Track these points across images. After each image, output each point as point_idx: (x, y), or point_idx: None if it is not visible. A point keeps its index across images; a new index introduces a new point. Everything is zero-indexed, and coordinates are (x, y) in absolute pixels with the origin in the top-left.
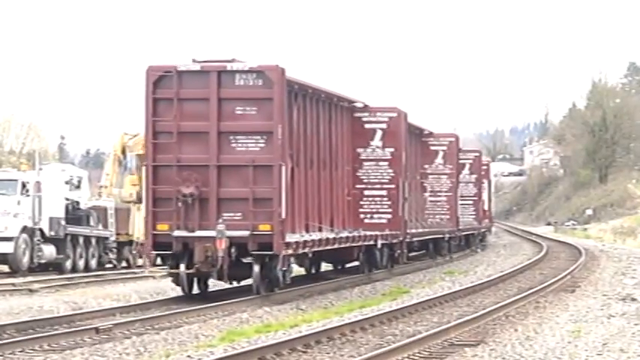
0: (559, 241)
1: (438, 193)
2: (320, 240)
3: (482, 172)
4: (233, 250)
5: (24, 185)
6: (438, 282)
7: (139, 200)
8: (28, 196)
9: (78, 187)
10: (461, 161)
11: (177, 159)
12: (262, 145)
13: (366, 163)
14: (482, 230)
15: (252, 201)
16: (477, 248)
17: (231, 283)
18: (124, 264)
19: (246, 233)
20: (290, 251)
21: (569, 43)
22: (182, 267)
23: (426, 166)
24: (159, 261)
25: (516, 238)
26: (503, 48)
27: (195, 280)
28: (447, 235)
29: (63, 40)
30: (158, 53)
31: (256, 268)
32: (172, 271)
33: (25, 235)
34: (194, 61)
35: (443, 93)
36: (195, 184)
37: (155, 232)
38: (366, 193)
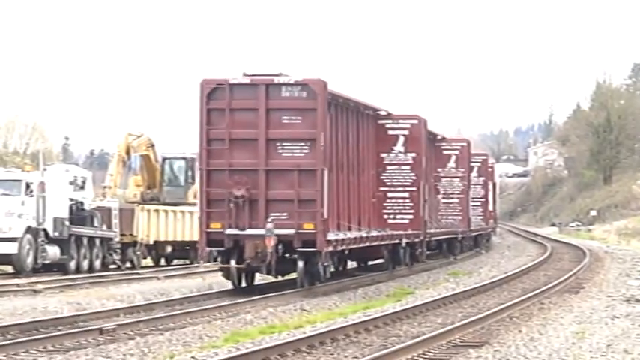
0: (563, 242)
1: (451, 196)
2: (355, 238)
3: (489, 174)
4: (280, 247)
5: (28, 186)
6: (442, 283)
7: (142, 201)
8: (32, 196)
9: (82, 187)
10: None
11: (229, 164)
12: (306, 151)
13: (389, 168)
14: (489, 231)
15: (297, 202)
16: (481, 249)
17: (276, 277)
18: (128, 265)
19: (291, 232)
20: (330, 248)
21: (573, 44)
22: (232, 262)
23: (439, 169)
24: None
25: (520, 239)
26: (507, 49)
27: (243, 274)
28: (460, 235)
29: (67, 40)
30: (160, 53)
31: (300, 264)
32: (224, 265)
33: (29, 236)
34: (244, 74)
35: (447, 94)
36: (245, 187)
37: (208, 231)
38: (390, 195)
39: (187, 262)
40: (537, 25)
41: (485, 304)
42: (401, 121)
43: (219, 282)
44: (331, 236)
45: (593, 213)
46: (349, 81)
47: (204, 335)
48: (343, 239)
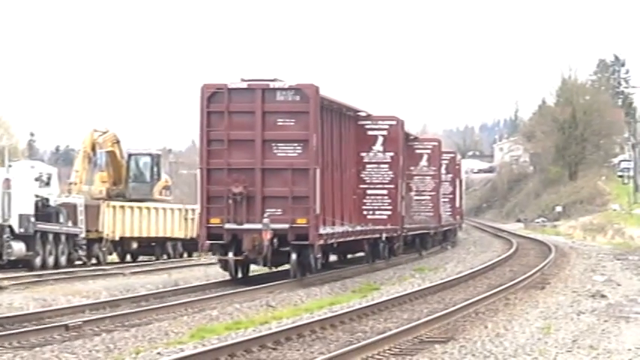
0: (529, 238)
1: (423, 193)
2: (343, 232)
3: (456, 171)
4: (275, 240)
5: None
6: (408, 279)
7: (108, 197)
8: None
9: (47, 184)
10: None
11: (227, 163)
12: (299, 151)
13: (368, 166)
14: (456, 226)
15: (291, 199)
16: (447, 245)
17: (270, 269)
18: (93, 261)
19: (286, 226)
20: (321, 241)
21: (538, 40)
22: (230, 255)
23: (412, 167)
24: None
25: (486, 235)
26: (472, 44)
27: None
28: (432, 231)
29: (32, 35)
30: (125, 48)
31: (294, 256)
32: (222, 258)
33: None
34: (242, 79)
35: (412, 89)
36: (243, 185)
37: (209, 225)
38: (369, 192)
39: (153, 258)
40: (503, 21)
41: (451, 300)
42: (380, 122)
43: (185, 278)
44: (322, 230)
45: (559, 209)
46: (314, 76)
47: (170, 331)
48: (332, 233)
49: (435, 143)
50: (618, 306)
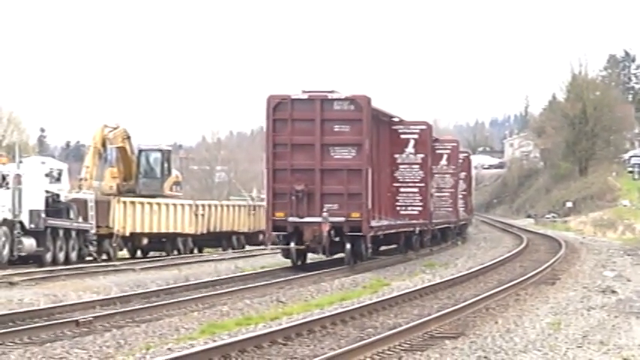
0: (539, 234)
1: (443, 190)
2: (387, 225)
3: (468, 168)
4: (332, 232)
5: (4, 178)
6: (418, 274)
7: (119, 193)
8: (8, 188)
9: (58, 179)
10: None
11: (290, 164)
12: (353, 154)
13: (401, 166)
14: (468, 221)
15: (347, 195)
16: (457, 241)
17: (327, 257)
18: (104, 257)
19: (342, 219)
20: (372, 233)
21: (549, 35)
22: (292, 244)
23: (434, 166)
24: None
25: (496, 231)
26: (483, 39)
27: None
28: (453, 225)
29: (43, 31)
30: (136, 43)
31: (348, 246)
32: (284, 247)
33: (5, 228)
34: (303, 91)
35: (423, 84)
36: (304, 183)
37: (274, 219)
38: (402, 190)
39: (163, 254)
40: (513, 16)
41: (461, 296)
42: (412, 127)
43: (195, 274)
44: (374, 223)
45: (569, 204)
46: (327, 69)
47: (180, 327)
48: (380, 226)
49: (454, 144)
50: (629, 302)
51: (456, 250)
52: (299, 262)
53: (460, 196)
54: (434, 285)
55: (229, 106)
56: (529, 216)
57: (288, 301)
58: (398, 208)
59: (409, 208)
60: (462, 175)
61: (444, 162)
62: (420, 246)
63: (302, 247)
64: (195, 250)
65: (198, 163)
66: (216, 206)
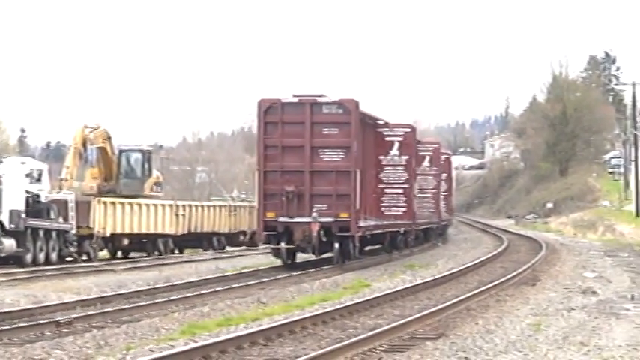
0: (520, 235)
1: (425, 191)
2: (375, 225)
3: (449, 169)
4: (321, 232)
5: None
6: (399, 275)
7: (99, 193)
8: None
9: (38, 180)
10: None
11: (281, 166)
12: (342, 156)
13: (386, 168)
14: (449, 222)
15: (336, 196)
16: (437, 241)
17: (317, 256)
18: (84, 257)
19: (330, 220)
20: (360, 233)
21: (529, 36)
22: (283, 244)
23: (416, 168)
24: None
25: (477, 231)
26: (463, 41)
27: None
28: (435, 225)
29: (23, 31)
30: (117, 43)
31: (336, 245)
32: (275, 246)
33: None
34: (293, 95)
35: (403, 85)
36: (294, 184)
37: (265, 219)
38: (387, 191)
39: (144, 254)
40: (494, 17)
41: (442, 296)
42: (396, 129)
43: (176, 274)
44: (361, 223)
45: (550, 205)
46: (306, 70)
47: (161, 328)
48: (367, 226)
49: (436, 145)
50: (609, 302)
51: (437, 251)
52: (289, 261)
53: (442, 197)
54: (415, 286)
55: (210, 107)
56: (509, 217)
57: (269, 301)
58: (383, 208)
59: (394, 208)
60: (444, 176)
61: (426, 164)
62: (405, 246)
63: (292, 246)
64: (176, 251)
65: (179, 164)
66: (196, 207)
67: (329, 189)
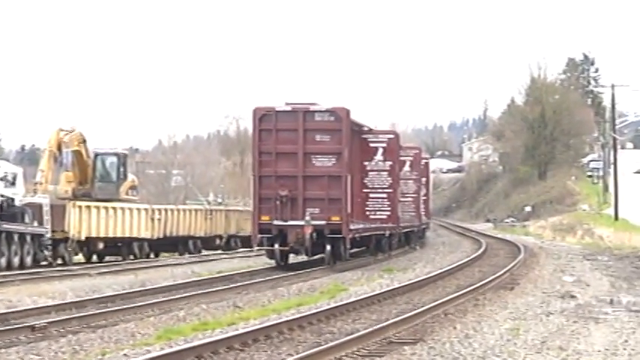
0: (498, 238)
1: (407, 195)
2: (364, 228)
3: (427, 172)
4: (314, 234)
5: None
6: (376, 279)
7: (74, 197)
8: None
9: (13, 183)
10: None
11: (275, 171)
12: (334, 161)
13: (370, 173)
14: (429, 225)
15: (327, 200)
16: (415, 245)
17: (309, 257)
18: (59, 261)
19: (323, 222)
20: (351, 235)
21: (508, 38)
22: (276, 246)
23: (401, 173)
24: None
25: (455, 235)
26: (441, 43)
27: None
28: (416, 229)
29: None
30: (90, 46)
31: (328, 247)
32: (269, 248)
33: None
34: (286, 103)
35: (380, 87)
36: (288, 189)
37: (260, 222)
38: (371, 195)
39: (119, 258)
40: (472, 19)
41: (419, 301)
42: (380, 136)
43: (151, 279)
44: (352, 226)
45: (528, 209)
46: (283, 74)
47: (136, 333)
48: (358, 229)
49: (417, 151)
50: (588, 306)
51: (415, 255)
52: (282, 263)
53: (422, 201)
54: (392, 290)
55: (186, 110)
56: (488, 220)
57: (245, 306)
58: (367, 212)
59: (378, 212)
60: (423, 180)
61: (407, 168)
62: (389, 248)
63: (286, 248)
64: (152, 255)
65: (155, 167)
66: (172, 210)
67: (321, 193)
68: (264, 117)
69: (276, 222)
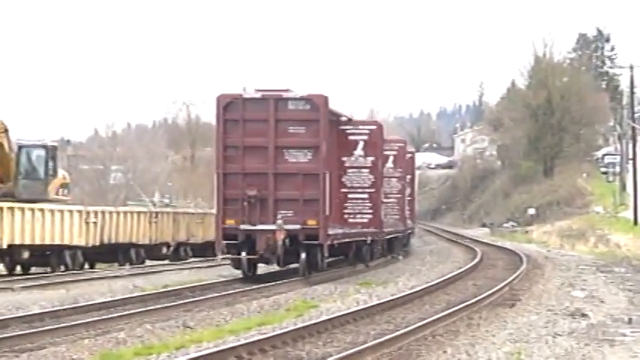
0: (496, 246)
1: (389, 196)
2: (344, 234)
3: (411, 169)
4: (286, 240)
5: None
6: (351, 295)
7: None
8: None
9: None
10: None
11: (242, 168)
12: (310, 157)
13: (349, 170)
14: (413, 230)
15: (302, 201)
16: (397, 255)
17: (281, 267)
18: None
19: (297, 227)
20: (329, 242)
21: (508, 11)
22: (244, 254)
23: (383, 170)
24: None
25: (445, 243)
26: (428, 15)
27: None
28: (400, 234)
29: None
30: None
31: (303, 255)
32: (235, 257)
33: None
34: (256, 90)
35: (356, 68)
36: (257, 188)
37: (224, 227)
38: (350, 196)
39: (48, 270)
40: None
41: (403, 320)
42: (361, 127)
43: (86, 294)
44: (331, 231)
45: (532, 211)
46: (258, 58)
47: (68, 357)
48: (336, 234)
49: (401, 144)
50: (601, 327)
51: (397, 266)
52: (250, 273)
53: (407, 202)
54: (370, 307)
55: (127, 95)
56: (484, 225)
57: (197, 326)
58: (346, 215)
59: (358, 215)
60: (408, 178)
61: (390, 164)
62: (371, 257)
63: (255, 257)
64: (86, 266)
65: (90, 162)
66: (111, 213)
67: (295, 193)
68: (229, 105)
69: (243, 226)
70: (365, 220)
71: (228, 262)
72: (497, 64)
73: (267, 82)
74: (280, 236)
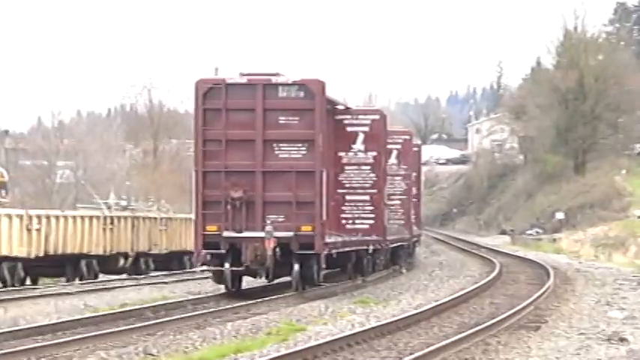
0: (518, 257)
1: (392, 197)
2: (343, 242)
3: (419, 167)
4: (277, 250)
5: None
6: (345, 315)
7: None
8: None
9: None
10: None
11: (225, 165)
12: (304, 152)
13: (347, 168)
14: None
15: (295, 204)
16: (400, 268)
17: (270, 281)
18: None
19: (290, 234)
20: (327, 251)
21: None
22: (227, 265)
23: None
24: None
25: (457, 253)
26: None
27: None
28: (406, 243)
29: None
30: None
31: (296, 267)
32: (217, 269)
33: None
34: (241, 74)
35: (352, 48)
36: (242, 189)
37: (205, 233)
38: (348, 198)
39: None
40: None
41: (406, 346)
42: (361, 117)
43: (28, 315)
44: (328, 239)
45: (560, 216)
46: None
47: None
48: (335, 242)
49: (407, 136)
50: None
51: (399, 281)
52: (234, 289)
53: (412, 205)
54: (368, 330)
55: (77, 78)
56: (503, 232)
57: (161, 353)
58: (344, 220)
59: (357, 220)
60: (413, 176)
61: (393, 160)
62: (372, 269)
63: (240, 269)
64: (28, 281)
65: (33, 157)
66: (57, 218)
67: (287, 195)
68: (209, 92)
69: (226, 233)
70: (366, 226)
71: (207, 274)
72: (518, 40)
73: (250, 65)
74: (270, 245)
